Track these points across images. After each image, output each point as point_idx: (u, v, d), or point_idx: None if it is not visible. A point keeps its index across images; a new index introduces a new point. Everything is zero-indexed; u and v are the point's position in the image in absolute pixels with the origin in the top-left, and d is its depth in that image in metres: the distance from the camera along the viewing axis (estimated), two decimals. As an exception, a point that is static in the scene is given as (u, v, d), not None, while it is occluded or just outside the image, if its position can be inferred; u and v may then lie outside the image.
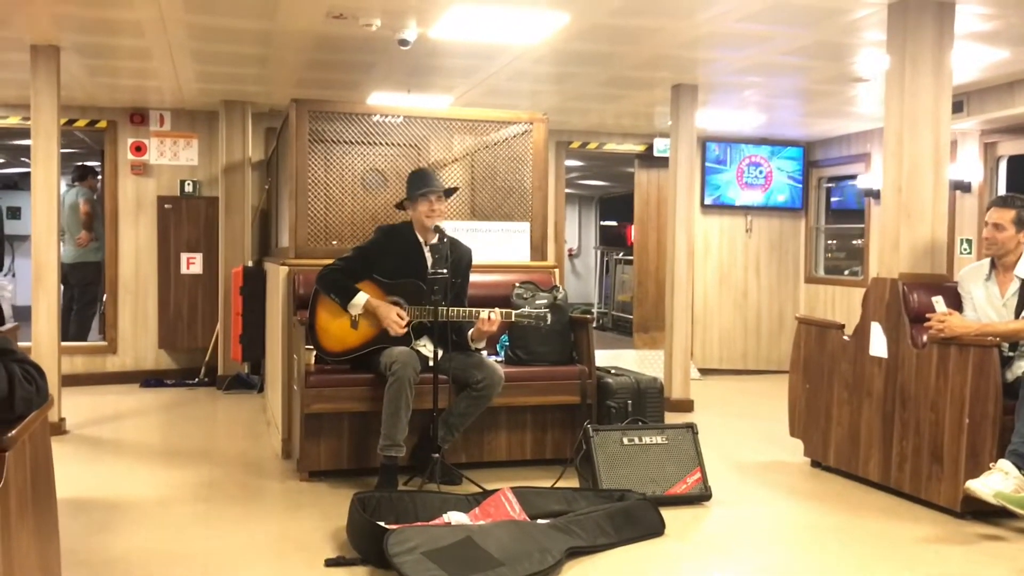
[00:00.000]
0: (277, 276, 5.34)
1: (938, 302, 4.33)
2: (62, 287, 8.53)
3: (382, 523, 3.47)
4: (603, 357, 5.63)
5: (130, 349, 7.92)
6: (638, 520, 3.78)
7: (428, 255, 4.52)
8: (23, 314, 9.02)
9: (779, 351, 9.16)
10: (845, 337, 4.81)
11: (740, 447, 5.60)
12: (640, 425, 4.55)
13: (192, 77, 6.62)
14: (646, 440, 4.36)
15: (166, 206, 7.88)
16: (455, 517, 3.70)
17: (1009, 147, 7.49)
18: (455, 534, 3.37)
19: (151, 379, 7.79)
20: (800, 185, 9.34)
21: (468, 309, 4.43)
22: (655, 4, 4.70)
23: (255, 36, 5.43)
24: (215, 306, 7.83)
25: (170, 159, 7.95)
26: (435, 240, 4.45)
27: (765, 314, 9.40)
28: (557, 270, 5.65)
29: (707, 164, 9.10)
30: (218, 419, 6.55)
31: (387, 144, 5.49)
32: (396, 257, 4.57)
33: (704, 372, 8.97)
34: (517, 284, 5.10)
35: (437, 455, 4.26)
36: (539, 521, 3.68)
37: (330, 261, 4.64)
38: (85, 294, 8.48)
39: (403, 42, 5.22)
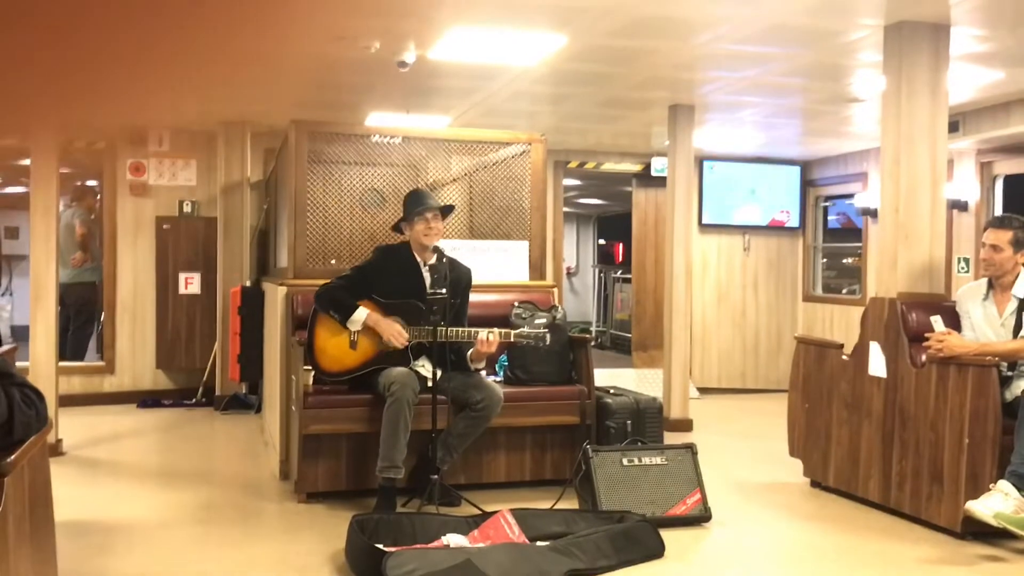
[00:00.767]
0: (275, 296, 5.33)
1: (936, 321, 4.34)
2: (59, 308, 8.53)
3: (380, 546, 3.45)
4: (602, 376, 5.62)
5: (128, 369, 7.90)
6: (638, 541, 3.76)
7: (426, 275, 4.53)
8: (20, 334, 9.00)
9: (778, 370, 9.15)
10: (844, 356, 4.81)
11: (740, 467, 5.59)
12: (640, 445, 4.54)
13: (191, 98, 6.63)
14: (646, 460, 4.34)
15: (164, 226, 7.88)
16: (454, 539, 3.68)
17: (1005, 166, 7.52)
18: (454, 557, 3.35)
19: (148, 399, 7.76)
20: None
21: (467, 329, 4.43)
22: (652, 26, 4.73)
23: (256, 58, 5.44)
24: (213, 326, 7.82)
25: (169, 180, 7.96)
26: (433, 260, 4.46)
27: (763, 333, 9.40)
28: (556, 289, 5.65)
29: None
30: (216, 440, 6.53)
31: (386, 164, 5.50)
32: (394, 277, 4.57)
33: (703, 391, 8.95)
34: (516, 304, 5.10)
35: (436, 476, 4.24)
36: (539, 543, 3.66)
37: (328, 281, 4.64)
38: (81, 314, 8.46)
39: (402, 64, 5.25)
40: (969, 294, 4.50)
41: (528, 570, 3.32)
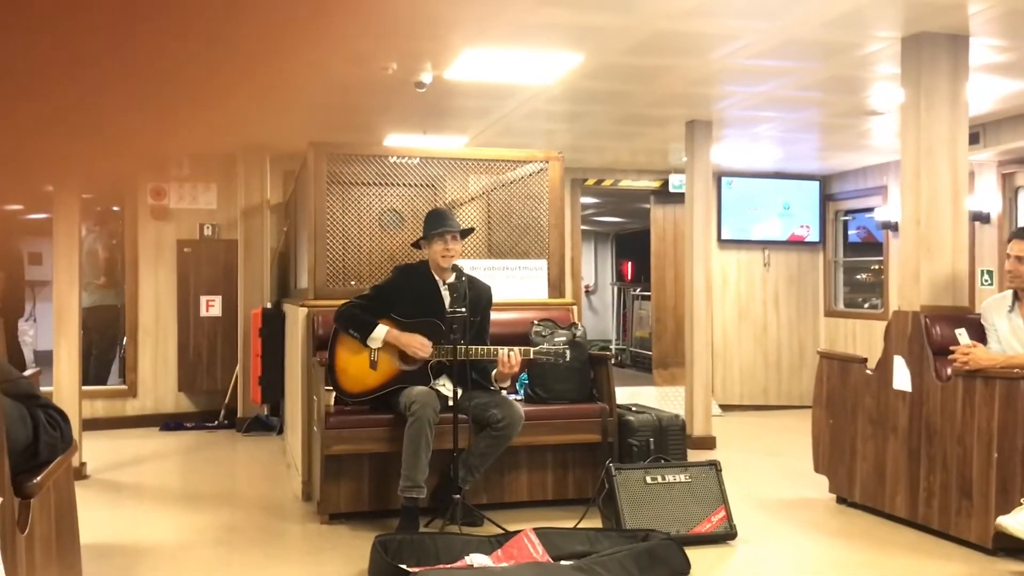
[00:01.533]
0: (296, 317, 5.35)
1: (961, 334, 4.29)
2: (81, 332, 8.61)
3: (404, 566, 3.44)
4: (623, 394, 5.59)
5: (150, 392, 7.94)
6: (663, 560, 3.73)
7: (446, 294, 4.53)
8: (44, 359, 9.07)
9: (800, 386, 9.08)
10: (868, 371, 4.77)
11: (764, 484, 5.54)
12: (663, 463, 4.51)
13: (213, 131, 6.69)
14: (669, 478, 4.31)
15: (185, 250, 7.94)
16: (477, 559, 3.66)
17: (1027, 177, 7.46)
18: (478, 576, 3.33)
19: (171, 422, 7.79)
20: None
21: (487, 347, 4.42)
22: (668, 43, 4.74)
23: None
24: (234, 348, 7.85)
25: (189, 203, 8.03)
26: (452, 278, 4.46)
27: (785, 348, 9.33)
28: (575, 307, 5.64)
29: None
30: (238, 462, 6.54)
31: (404, 185, 5.52)
32: (414, 296, 4.57)
33: (725, 408, 8.89)
34: (535, 322, 5.08)
35: (458, 496, 4.23)
36: (562, 562, 3.63)
37: (347, 301, 4.65)
38: (104, 338, 8.53)
39: (419, 84, 5.28)
40: (994, 306, 4.45)
41: (552, 589, 3.29)
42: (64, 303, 5.81)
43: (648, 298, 10.73)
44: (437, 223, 4.58)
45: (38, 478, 1.64)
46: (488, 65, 5.07)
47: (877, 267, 9.11)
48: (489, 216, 5.73)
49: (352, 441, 4.51)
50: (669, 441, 4.91)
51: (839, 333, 9.16)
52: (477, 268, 5.17)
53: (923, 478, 4.35)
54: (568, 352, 4.39)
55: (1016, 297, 4.36)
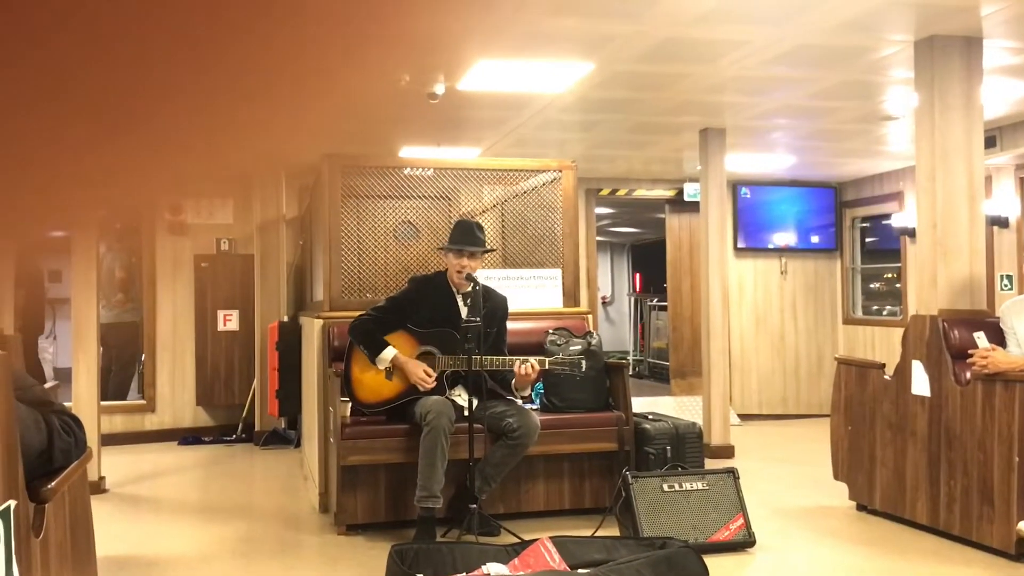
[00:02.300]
0: (312, 329, 5.37)
1: (980, 338, 4.26)
2: (102, 348, 8.69)
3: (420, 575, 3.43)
4: (640, 405, 5.57)
5: (168, 407, 7.98)
6: (681, 568, 3.70)
7: (461, 304, 4.53)
8: (64, 376, 9.13)
9: (819, 394, 9.01)
10: (886, 376, 4.73)
11: (783, 492, 5.49)
12: (680, 471, 4.48)
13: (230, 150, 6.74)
14: (687, 486, 4.29)
15: (203, 265, 7.99)
16: (494, 569, 3.64)
17: (1045, 181, 7.39)
18: (494, 585, 3.32)
19: (189, 436, 7.82)
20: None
21: (501, 358, 4.42)
22: (678, 50, 4.74)
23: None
24: (251, 362, 7.88)
25: (206, 219, 8.09)
26: (468, 288, 4.46)
27: (804, 357, 9.28)
28: (591, 315, 5.63)
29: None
30: (256, 475, 6.55)
31: (418, 197, 5.54)
32: (429, 307, 4.58)
33: (744, 418, 8.83)
34: (551, 331, 5.08)
35: (475, 506, 4.22)
36: (579, 571, 3.62)
37: (363, 312, 4.66)
38: (124, 354, 8.58)
39: (432, 96, 5.30)
40: (1014, 309, 4.41)
41: (569, 598, 3.28)
42: (82, 320, 5.86)
43: (665, 308, 10.70)
44: (457, 238, 4.57)
45: (52, 483, 1.65)
46: (500, 75, 5.09)
47: (892, 275, 9.05)
48: (503, 226, 5.74)
49: (368, 452, 4.51)
50: (686, 449, 4.88)
51: (858, 340, 9.09)
52: (492, 278, 5.18)
53: (944, 484, 4.30)
54: (584, 363, 4.39)
55: (1035, 300, 4.32)
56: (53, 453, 1.68)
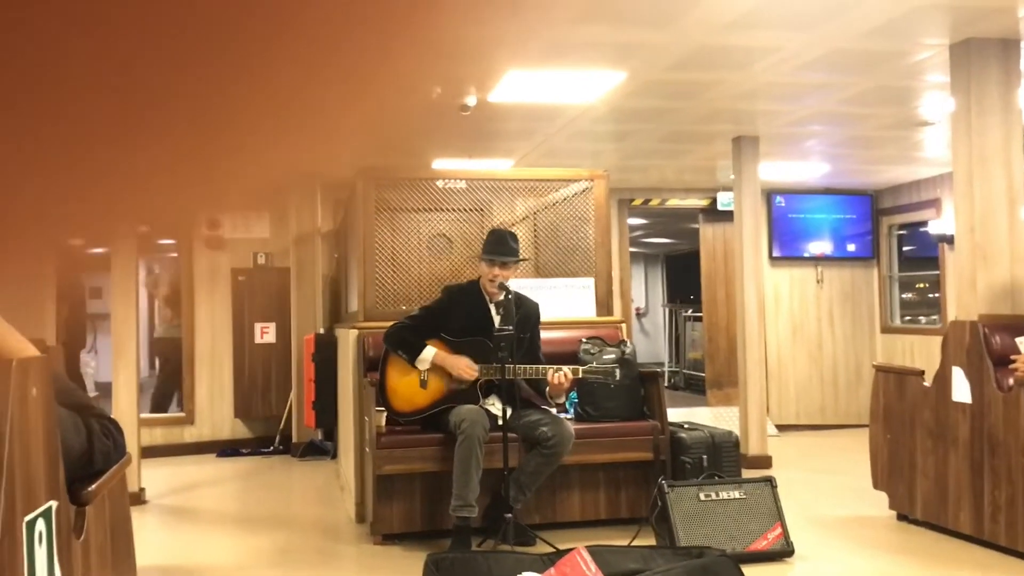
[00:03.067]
0: (347, 340, 5.41)
1: (1022, 343, 4.18)
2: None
3: (456, 583, 3.43)
4: (676, 416, 5.54)
5: (207, 420, 8.06)
6: (718, 577, 3.66)
7: (494, 312, 4.55)
8: (104, 389, 9.27)
9: (858, 404, 8.89)
10: (925, 384, 4.66)
11: (821, 502, 5.43)
12: (716, 480, 4.45)
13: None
14: (723, 495, 4.25)
15: (240, 278, 8.09)
16: (529, 577, 3.64)
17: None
18: (530, 593, 3.31)
19: (227, 449, 7.90)
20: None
21: (535, 366, 4.43)
22: (710, 58, 4.73)
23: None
24: (288, 374, 7.95)
25: (243, 232, 8.19)
26: (501, 297, 4.48)
27: (842, 366, 9.17)
28: (624, 324, 5.61)
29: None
30: (293, 486, 6.60)
31: (452, 210, 5.57)
32: (462, 315, 4.60)
33: (781, 428, 8.73)
34: (584, 340, 5.07)
35: (510, 515, 4.21)
36: (615, 580, 3.60)
37: (396, 321, 4.69)
38: (168, 365, 8.72)
39: (464, 107, 5.34)
40: (1056, 314, 4.33)
41: (605, 606, 3.26)
42: (122, 333, 5.95)
43: (700, 319, 10.64)
44: (490, 248, 4.59)
45: (93, 486, 1.68)
46: (531, 86, 5.12)
47: (924, 284, 8.92)
48: (536, 236, 5.75)
49: (403, 461, 4.53)
50: (723, 458, 4.84)
51: (896, 349, 8.97)
52: (525, 287, 5.19)
53: (988, 493, 4.22)
54: (618, 371, 4.37)
55: (1078, 304, 4.24)
56: (93, 456, 1.71)
